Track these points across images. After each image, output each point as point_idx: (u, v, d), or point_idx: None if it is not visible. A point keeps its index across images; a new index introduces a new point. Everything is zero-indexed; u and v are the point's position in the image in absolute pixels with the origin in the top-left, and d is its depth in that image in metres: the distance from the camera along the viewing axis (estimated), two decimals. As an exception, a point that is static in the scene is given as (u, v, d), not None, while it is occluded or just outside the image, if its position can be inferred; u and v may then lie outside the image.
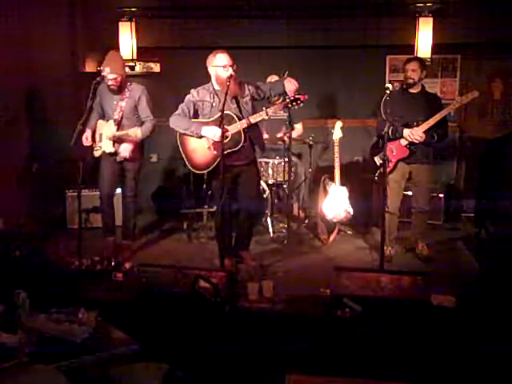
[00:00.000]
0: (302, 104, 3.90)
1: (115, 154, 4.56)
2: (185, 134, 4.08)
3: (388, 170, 4.34)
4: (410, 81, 4.37)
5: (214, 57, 4.00)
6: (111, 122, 4.52)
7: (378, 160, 4.52)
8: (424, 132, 4.28)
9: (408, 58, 4.60)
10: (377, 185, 4.61)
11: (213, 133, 3.95)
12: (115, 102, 4.52)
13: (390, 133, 4.13)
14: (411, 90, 4.45)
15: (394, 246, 4.68)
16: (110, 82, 4.40)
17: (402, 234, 4.88)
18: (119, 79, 4.42)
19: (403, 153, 4.41)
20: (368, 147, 4.72)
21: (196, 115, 4.13)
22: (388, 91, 3.86)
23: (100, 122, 4.63)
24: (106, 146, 4.57)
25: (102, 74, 4.28)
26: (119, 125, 4.53)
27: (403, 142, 4.38)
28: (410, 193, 4.75)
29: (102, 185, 4.69)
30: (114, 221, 4.89)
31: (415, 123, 4.32)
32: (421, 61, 4.49)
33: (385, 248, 4.13)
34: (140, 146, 4.64)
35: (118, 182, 4.77)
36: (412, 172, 4.50)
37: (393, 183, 4.45)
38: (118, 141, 4.52)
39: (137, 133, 4.38)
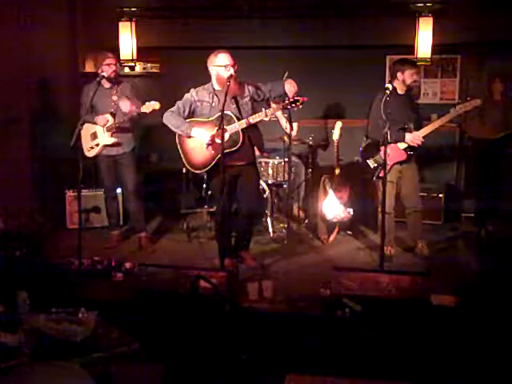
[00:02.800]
0: (301, 106, 3.91)
1: (117, 144, 4.69)
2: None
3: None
4: (417, 83, 4.40)
5: (216, 56, 3.99)
6: (107, 115, 4.64)
7: (372, 163, 4.47)
8: None
9: (405, 60, 4.56)
10: (377, 186, 4.58)
11: (202, 136, 3.97)
12: (109, 99, 4.66)
13: (389, 137, 4.10)
14: (399, 92, 4.44)
15: (394, 245, 4.68)
16: (109, 69, 4.54)
17: (400, 233, 4.88)
18: (115, 67, 4.64)
19: (401, 156, 4.41)
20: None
21: (191, 115, 4.13)
22: (388, 91, 3.87)
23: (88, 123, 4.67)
24: (105, 139, 4.67)
25: (105, 61, 4.56)
26: (114, 117, 4.66)
27: (401, 145, 4.38)
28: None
29: (104, 179, 4.91)
30: (119, 214, 5.17)
31: (411, 125, 4.34)
32: None
33: (385, 248, 4.13)
34: (133, 138, 4.84)
35: (117, 177, 4.88)
36: (402, 171, 4.51)
37: (388, 184, 4.42)
38: (116, 132, 4.66)
39: (154, 105, 4.44)
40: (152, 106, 4.45)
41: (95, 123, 4.66)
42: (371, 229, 5.43)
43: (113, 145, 4.69)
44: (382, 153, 4.24)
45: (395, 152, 4.38)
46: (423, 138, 4.33)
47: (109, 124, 4.63)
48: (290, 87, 3.98)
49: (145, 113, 4.49)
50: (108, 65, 4.57)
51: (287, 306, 3.51)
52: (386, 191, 4.31)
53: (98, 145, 4.70)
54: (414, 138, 4.31)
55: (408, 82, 4.37)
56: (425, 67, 6.04)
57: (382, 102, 3.93)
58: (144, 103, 4.61)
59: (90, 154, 4.73)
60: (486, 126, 5.35)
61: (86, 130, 4.66)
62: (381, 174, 4.28)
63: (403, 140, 4.35)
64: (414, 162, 4.53)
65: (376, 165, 4.40)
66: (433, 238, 5.08)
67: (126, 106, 4.57)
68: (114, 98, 4.67)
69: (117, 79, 4.71)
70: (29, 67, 5.11)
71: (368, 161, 4.49)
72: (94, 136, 4.72)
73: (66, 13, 5.95)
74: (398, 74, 4.39)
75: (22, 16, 4.99)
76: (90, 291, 3.68)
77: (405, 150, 4.39)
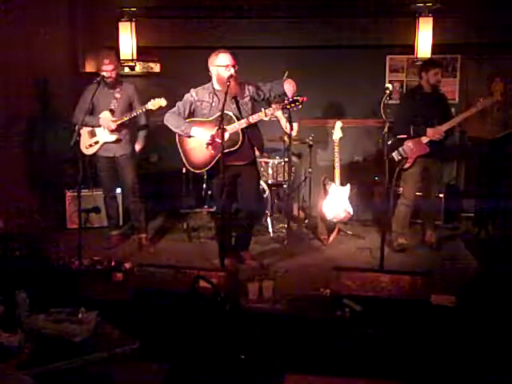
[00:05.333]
0: (300, 106, 3.91)
1: (117, 141, 4.66)
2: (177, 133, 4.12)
3: (408, 165, 4.61)
4: (441, 82, 4.69)
5: (217, 56, 3.99)
6: (106, 112, 4.61)
7: (396, 156, 4.66)
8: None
9: (428, 61, 4.85)
10: (401, 178, 4.76)
11: (202, 136, 3.97)
12: (111, 98, 4.64)
13: (412, 131, 4.49)
14: (427, 91, 4.64)
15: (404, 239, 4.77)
16: (107, 74, 4.50)
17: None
18: (115, 72, 4.57)
19: (423, 150, 4.59)
20: (368, 147, 4.71)
21: (192, 115, 4.13)
22: (388, 91, 3.88)
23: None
24: (105, 137, 4.65)
25: (102, 67, 4.48)
26: (113, 114, 4.63)
27: (424, 139, 4.56)
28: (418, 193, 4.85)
29: (103, 179, 4.89)
30: (119, 214, 5.15)
31: (434, 121, 4.53)
32: None
33: (398, 238, 4.66)
34: (132, 141, 4.83)
35: (117, 177, 4.87)
36: (429, 166, 4.69)
37: (411, 176, 4.66)
38: (116, 128, 4.62)
39: (161, 102, 4.41)
40: (158, 103, 4.41)
41: (98, 126, 4.62)
42: (371, 228, 5.43)
43: (114, 141, 4.66)
44: (405, 146, 4.57)
45: (418, 146, 4.59)
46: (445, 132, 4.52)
47: (109, 122, 4.60)
48: (289, 87, 3.98)
49: (151, 110, 4.47)
50: (106, 64, 4.51)
51: (287, 306, 3.52)
52: (410, 183, 4.69)
53: (97, 142, 4.69)
54: (435, 132, 4.50)
55: (432, 81, 4.62)
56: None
57: (382, 102, 3.95)
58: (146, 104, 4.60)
59: (88, 151, 4.71)
60: (485, 126, 5.36)
61: (85, 127, 4.65)
62: (405, 166, 4.59)
63: (424, 134, 4.53)
64: (440, 160, 4.75)
65: (400, 157, 4.62)
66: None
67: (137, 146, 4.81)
68: (117, 95, 4.64)
69: (117, 78, 4.66)
70: (29, 67, 5.11)
71: (393, 154, 4.66)
72: (93, 134, 4.69)
73: (67, 12, 5.94)
74: (423, 74, 4.65)
75: (22, 15, 4.99)
76: (90, 291, 3.68)
77: (427, 144, 4.56)
